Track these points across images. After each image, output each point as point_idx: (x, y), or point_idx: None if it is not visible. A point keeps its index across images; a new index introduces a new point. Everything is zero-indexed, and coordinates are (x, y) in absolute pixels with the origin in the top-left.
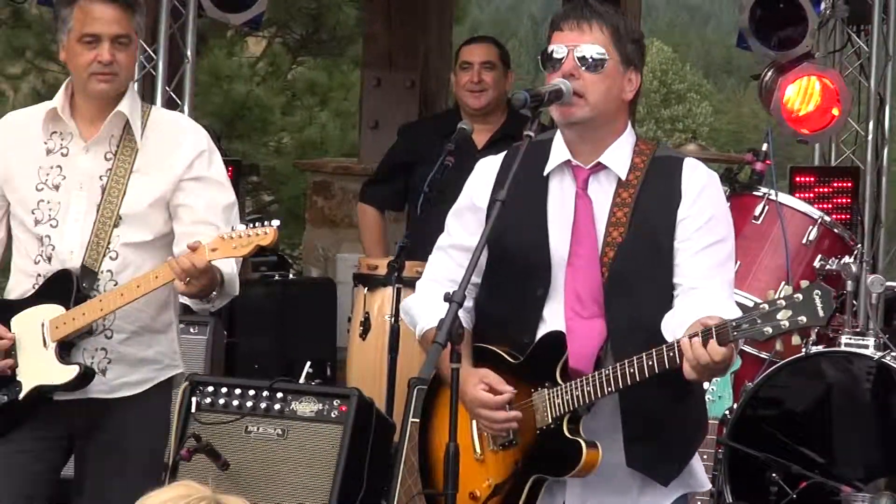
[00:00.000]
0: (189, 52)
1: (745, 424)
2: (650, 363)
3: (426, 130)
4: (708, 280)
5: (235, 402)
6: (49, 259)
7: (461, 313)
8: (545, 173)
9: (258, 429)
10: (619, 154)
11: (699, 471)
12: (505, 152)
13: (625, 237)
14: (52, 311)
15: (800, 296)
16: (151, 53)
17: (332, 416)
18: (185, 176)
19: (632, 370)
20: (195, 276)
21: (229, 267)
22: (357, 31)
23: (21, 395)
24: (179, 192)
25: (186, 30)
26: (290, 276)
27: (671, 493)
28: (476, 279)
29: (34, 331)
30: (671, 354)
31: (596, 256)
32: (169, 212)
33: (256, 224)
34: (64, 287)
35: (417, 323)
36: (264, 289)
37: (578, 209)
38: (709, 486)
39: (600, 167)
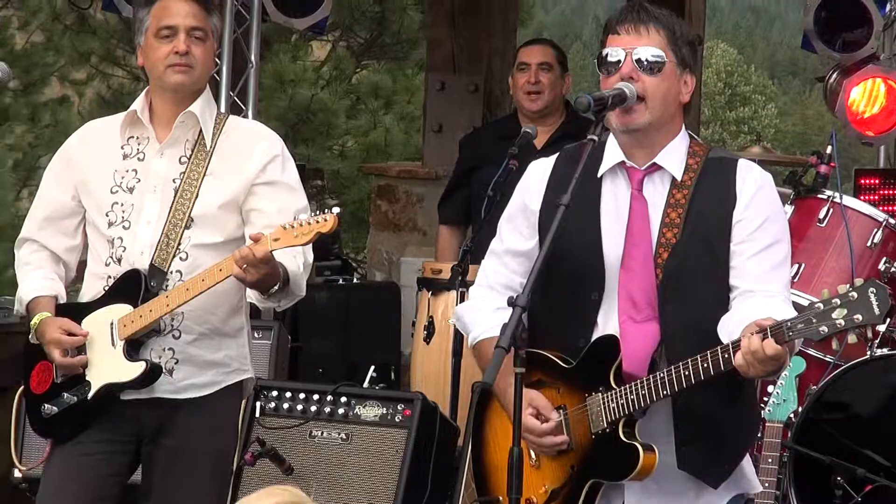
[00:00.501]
0: (253, 57)
1: (809, 428)
2: (705, 365)
3: (486, 137)
4: (765, 283)
5: (300, 407)
6: (119, 260)
7: None
8: (599, 175)
9: (322, 433)
10: (674, 155)
11: (750, 472)
12: (556, 154)
13: (679, 238)
14: (120, 310)
15: (855, 294)
16: (215, 58)
17: (397, 420)
18: (258, 180)
19: (686, 373)
20: (254, 265)
21: (294, 265)
22: (421, 35)
23: (90, 395)
24: (252, 196)
25: (250, 35)
26: (355, 280)
27: (725, 494)
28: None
29: (103, 331)
30: (726, 357)
31: (650, 258)
32: (241, 216)
33: (317, 212)
34: (133, 286)
35: (471, 331)
36: (328, 293)
37: (633, 210)
38: (759, 487)
39: (655, 168)
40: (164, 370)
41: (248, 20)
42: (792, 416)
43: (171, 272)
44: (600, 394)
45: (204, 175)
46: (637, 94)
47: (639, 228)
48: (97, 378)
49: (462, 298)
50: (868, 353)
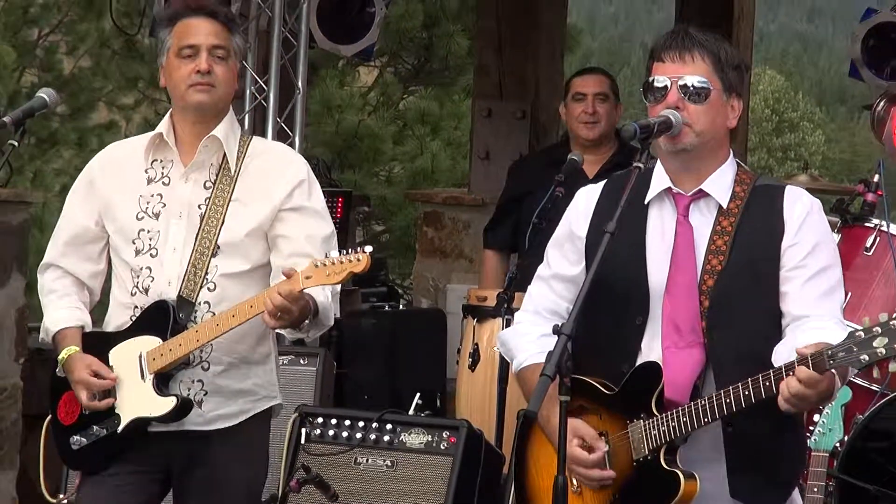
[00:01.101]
0: (300, 83)
1: (856, 457)
2: (746, 393)
3: (535, 164)
4: (817, 308)
5: (345, 434)
6: (146, 290)
7: None
8: (646, 202)
9: (367, 460)
10: (721, 182)
11: (798, 501)
12: (604, 182)
13: (724, 265)
14: (149, 342)
15: (895, 322)
16: (263, 84)
17: (442, 447)
18: (285, 206)
19: (728, 400)
20: (286, 311)
21: (323, 296)
22: (468, 61)
23: (120, 429)
24: (278, 223)
25: (298, 61)
26: (400, 306)
27: None
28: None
29: (132, 363)
30: (767, 384)
31: (695, 284)
32: (267, 242)
33: (350, 250)
34: (161, 318)
35: (515, 357)
36: (374, 320)
37: (679, 236)
38: None
39: (701, 194)
40: (194, 404)
41: (295, 46)
42: (838, 445)
43: (200, 303)
44: (642, 420)
45: (229, 201)
46: (683, 122)
47: (684, 255)
48: (127, 411)
49: (507, 325)
50: None
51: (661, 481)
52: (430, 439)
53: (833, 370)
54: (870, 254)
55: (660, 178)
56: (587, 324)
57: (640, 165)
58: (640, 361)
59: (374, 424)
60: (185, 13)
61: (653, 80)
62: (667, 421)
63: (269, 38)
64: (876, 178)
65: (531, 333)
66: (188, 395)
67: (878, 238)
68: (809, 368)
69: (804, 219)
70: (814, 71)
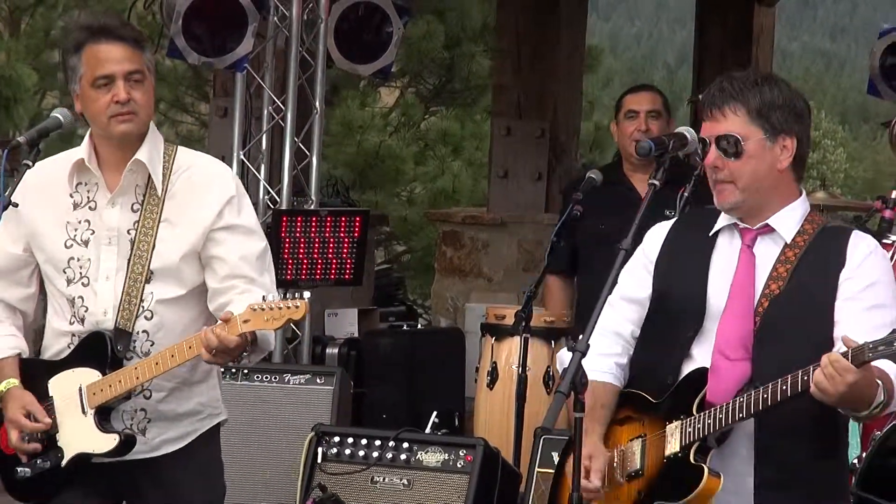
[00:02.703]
0: (318, 103)
1: (874, 474)
2: (784, 388)
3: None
4: (869, 337)
5: (361, 453)
6: (83, 320)
7: (618, 369)
8: (711, 233)
9: (384, 479)
10: (789, 219)
11: None
12: (675, 218)
13: (782, 289)
14: (88, 375)
15: None
16: (280, 105)
17: (458, 465)
18: (216, 225)
19: (765, 395)
20: (222, 351)
21: None
22: (489, 81)
23: (63, 463)
24: (210, 244)
25: (315, 81)
26: (419, 325)
27: None
28: (637, 331)
29: (72, 396)
30: (805, 378)
31: (751, 307)
32: (200, 263)
33: (288, 296)
34: (98, 350)
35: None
36: (392, 339)
37: (741, 263)
38: None
39: (768, 229)
40: (136, 432)
41: (312, 66)
42: (856, 461)
43: (137, 332)
44: (680, 421)
45: (159, 223)
46: (724, 179)
47: (744, 280)
48: (70, 446)
49: (525, 344)
50: None
51: (686, 474)
52: (446, 457)
53: (882, 384)
54: None
55: (727, 214)
56: (642, 341)
57: (656, 183)
58: (683, 373)
59: (391, 443)
60: (90, 38)
61: (701, 140)
62: (703, 418)
63: (287, 57)
64: (894, 194)
65: (591, 352)
66: (131, 424)
67: None
68: (847, 359)
69: (865, 257)
70: (836, 89)
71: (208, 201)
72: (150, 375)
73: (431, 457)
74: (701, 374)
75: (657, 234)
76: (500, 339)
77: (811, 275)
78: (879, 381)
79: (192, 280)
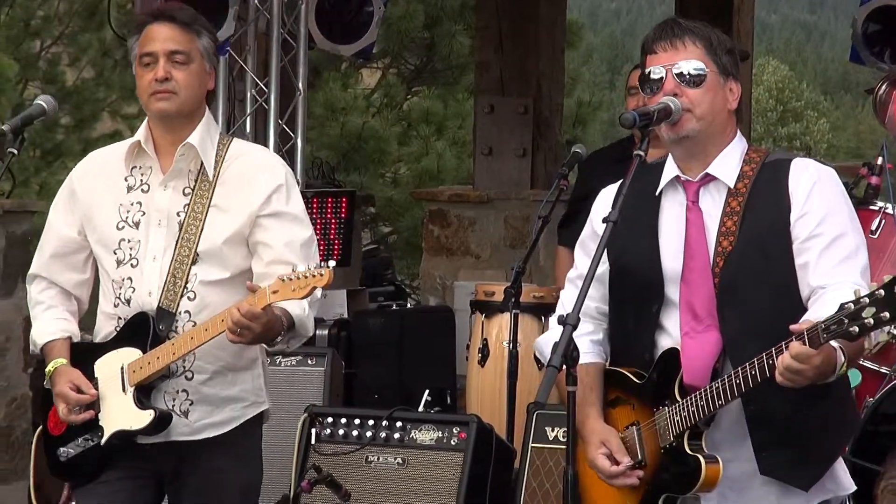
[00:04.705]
0: (301, 85)
1: (866, 440)
2: (753, 372)
3: (601, 159)
4: (835, 276)
5: (355, 433)
6: (128, 302)
7: (595, 346)
8: (657, 192)
9: (378, 458)
10: (728, 164)
11: (842, 475)
12: (620, 181)
13: (734, 245)
14: (130, 354)
15: (881, 291)
16: (263, 87)
17: (452, 443)
18: (263, 212)
19: (738, 381)
20: (245, 327)
21: (299, 308)
22: (471, 60)
23: (103, 441)
24: (257, 229)
25: (298, 62)
26: (408, 305)
27: (811, 498)
28: (605, 308)
29: (114, 375)
30: (770, 362)
31: (708, 268)
32: (248, 248)
33: (315, 265)
34: (141, 330)
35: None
36: (382, 319)
37: (689, 223)
38: (851, 488)
39: (709, 178)
40: (178, 414)
41: (294, 48)
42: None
43: (180, 313)
44: (666, 408)
45: (208, 207)
46: (683, 107)
47: (696, 241)
48: (109, 424)
49: (516, 320)
50: None
51: (685, 466)
52: (440, 435)
53: (840, 347)
54: (875, 236)
55: (669, 168)
56: (614, 317)
57: (641, 153)
58: (660, 348)
59: (384, 422)
60: (149, 20)
61: (649, 72)
62: (687, 406)
63: (269, 40)
64: (880, 160)
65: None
66: (173, 405)
67: (884, 220)
68: (805, 344)
69: (810, 189)
70: (817, 60)
71: (257, 188)
72: (186, 349)
73: (425, 435)
74: (674, 357)
75: (605, 203)
76: (490, 315)
77: (759, 222)
78: (835, 344)
79: (237, 265)
